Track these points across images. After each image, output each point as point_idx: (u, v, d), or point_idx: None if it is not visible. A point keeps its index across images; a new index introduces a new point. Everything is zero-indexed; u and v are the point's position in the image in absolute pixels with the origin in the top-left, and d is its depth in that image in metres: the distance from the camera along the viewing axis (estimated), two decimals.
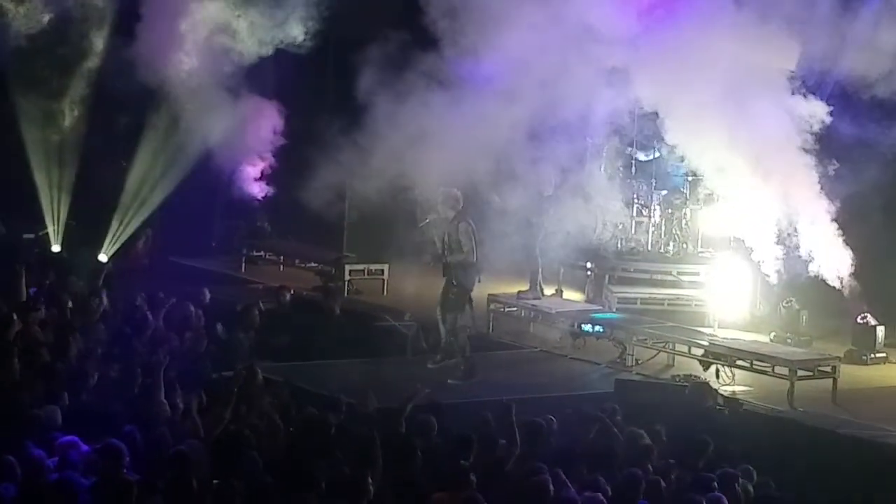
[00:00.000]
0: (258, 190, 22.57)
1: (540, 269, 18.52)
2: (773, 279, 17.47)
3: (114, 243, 20.92)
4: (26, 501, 9.70)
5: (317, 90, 20.54)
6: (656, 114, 17.75)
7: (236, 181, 22.22)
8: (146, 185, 21.06)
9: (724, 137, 16.62)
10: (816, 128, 16.74)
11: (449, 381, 15.86)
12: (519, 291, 18.54)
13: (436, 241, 16.07)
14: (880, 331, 17.19)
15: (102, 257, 20.60)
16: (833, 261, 16.76)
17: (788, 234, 17.00)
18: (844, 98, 17.12)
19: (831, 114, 16.72)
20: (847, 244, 16.88)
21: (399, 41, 17.81)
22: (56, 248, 21.56)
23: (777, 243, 17.09)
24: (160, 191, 20.94)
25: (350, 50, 18.56)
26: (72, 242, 21.47)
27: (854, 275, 16.91)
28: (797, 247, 16.94)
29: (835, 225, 16.72)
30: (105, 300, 16.42)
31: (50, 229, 21.57)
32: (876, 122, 17.20)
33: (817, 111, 16.73)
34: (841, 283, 16.88)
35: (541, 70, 16.99)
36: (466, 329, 16.35)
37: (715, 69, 16.32)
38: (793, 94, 16.69)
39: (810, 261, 16.92)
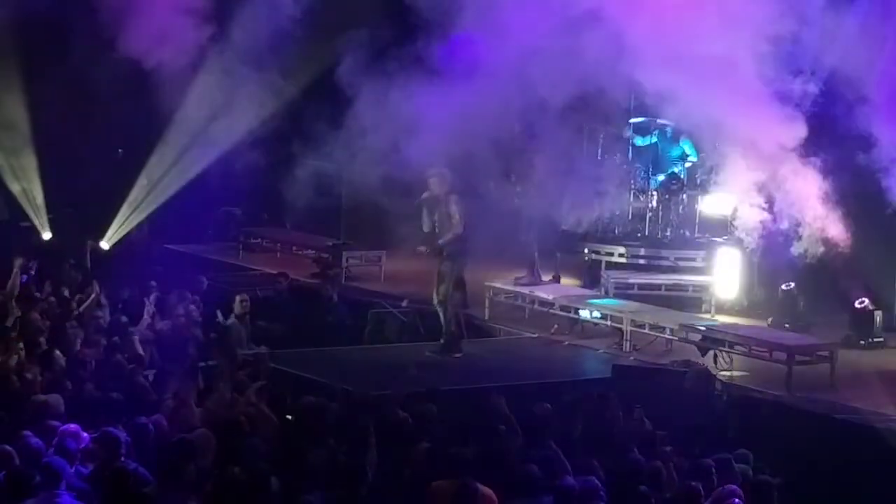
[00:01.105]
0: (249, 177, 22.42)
1: (536, 255, 18.52)
2: (754, 248, 17.45)
3: (118, 231, 20.82)
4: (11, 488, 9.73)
5: (309, 74, 20.42)
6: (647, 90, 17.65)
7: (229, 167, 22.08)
8: (151, 173, 20.89)
9: (709, 109, 16.56)
10: (805, 108, 16.73)
11: (427, 352, 15.89)
12: (516, 278, 18.54)
13: (424, 219, 16.00)
14: (878, 315, 17.19)
15: (105, 245, 20.54)
16: (823, 233, 16.68)
17: (776, 211, 16.95)
18: (832, 92, 17.08)
19: (820, 106, 16.68)
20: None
21: (392, 26, 17.81)
22: (46, 235, 21.47)
23: (764, 215, 17.07)
24: (170, 178, 20.78)
25: (343, 34, 18.57)
26: (67, 230, 21.41)
27: (847, 251, 16.86)
28: (784, 219, 16.88)
29: (824, 197, 16.62)
30: (97, 287, 16.43)
31: (33, 217, 21.46)
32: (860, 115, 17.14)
33: (805, 90, 16.72)
34: (833, 254, 16.81)
35: (535, 54, 16.97)
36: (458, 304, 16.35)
37: (705, 43, 16.25)
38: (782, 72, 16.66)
39: (799, 238, 16.88)
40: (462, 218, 15.83)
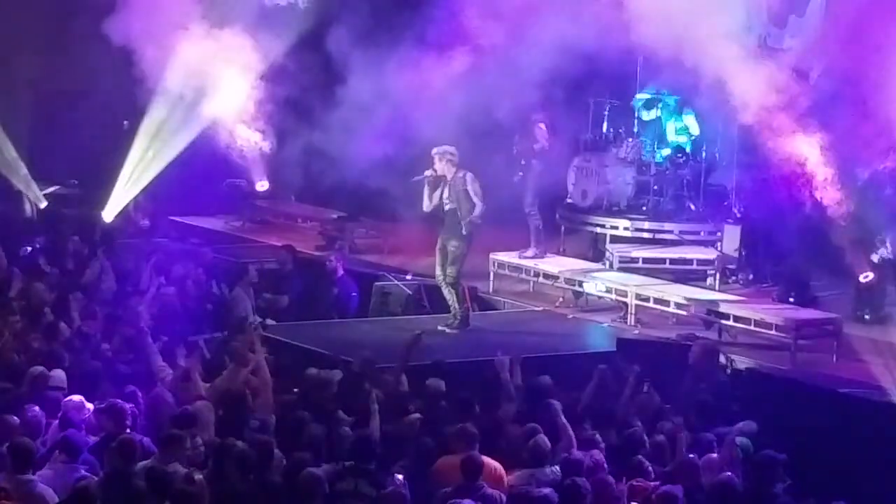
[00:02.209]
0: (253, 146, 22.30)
1: (540, 228, 18.50)
2: (758, 220, 17.42)
3: (118, 203, 20.77)
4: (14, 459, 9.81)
5: (307, 43, 20.28)
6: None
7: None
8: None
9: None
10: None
11: (439, 326, 15.89)
12: (520, 252, 18.53)
13: (426, 199, 15.94)
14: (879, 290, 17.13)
15: (107, 216, 20.50)
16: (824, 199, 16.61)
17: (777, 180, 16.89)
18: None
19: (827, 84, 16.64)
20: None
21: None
22: (42, 205, 21.45)
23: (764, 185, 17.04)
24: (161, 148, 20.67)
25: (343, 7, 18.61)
26: (68, 203, 21.38)
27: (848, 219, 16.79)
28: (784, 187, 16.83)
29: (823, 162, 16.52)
30: (102, 259, 16.44)
31: (23, 189, 21.44)
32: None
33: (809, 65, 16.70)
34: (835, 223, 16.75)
35: (537, 26, 16.95)
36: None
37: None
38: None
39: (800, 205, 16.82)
40: (482, 195, 15.78)
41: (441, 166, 15.81)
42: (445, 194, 15.85)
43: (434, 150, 15.91)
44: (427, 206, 15.97)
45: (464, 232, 15.82)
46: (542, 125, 18.16)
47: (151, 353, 12.65)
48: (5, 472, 9.76)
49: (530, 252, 18.39)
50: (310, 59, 19.81)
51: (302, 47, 19.91)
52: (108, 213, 20.48)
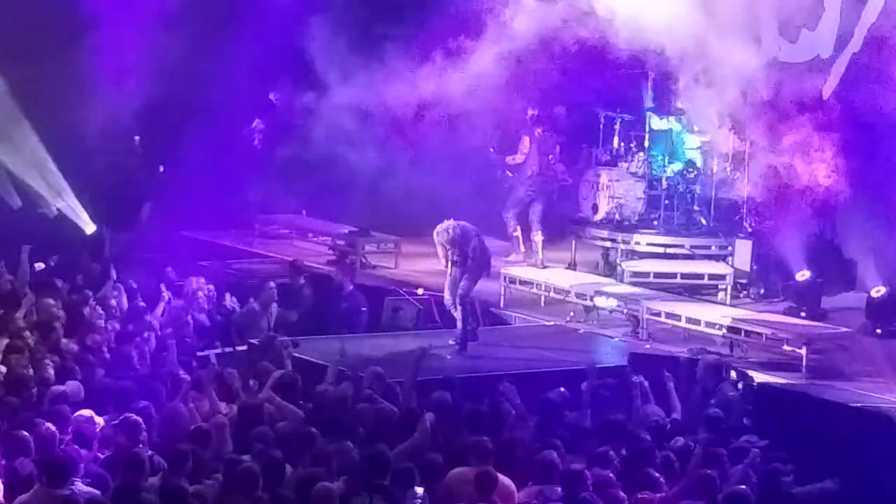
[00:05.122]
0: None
1: (517, 236, 18.69)
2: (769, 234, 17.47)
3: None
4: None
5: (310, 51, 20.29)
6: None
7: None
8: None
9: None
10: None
11: (450, 341, 15.87)
12: (527, 262, 18.61)
13: (441, 258, 16.04)
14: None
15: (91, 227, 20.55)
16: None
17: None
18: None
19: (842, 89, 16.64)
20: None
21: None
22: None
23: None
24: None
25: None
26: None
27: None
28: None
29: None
30: (114, 274, 16.47)
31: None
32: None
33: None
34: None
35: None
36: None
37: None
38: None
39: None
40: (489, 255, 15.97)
41: (448, 245, 15.84)
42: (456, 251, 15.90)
43: (436, 238, 15.89)
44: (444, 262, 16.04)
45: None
46: (526, 138, 18.35)
47: (168, 368, 12.69)
48: (40, 487, 9.76)
49: (512, 257, 18.57)
50: (312, 70, 19.84)
51: (305, 59, 19.95)
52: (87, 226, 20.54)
